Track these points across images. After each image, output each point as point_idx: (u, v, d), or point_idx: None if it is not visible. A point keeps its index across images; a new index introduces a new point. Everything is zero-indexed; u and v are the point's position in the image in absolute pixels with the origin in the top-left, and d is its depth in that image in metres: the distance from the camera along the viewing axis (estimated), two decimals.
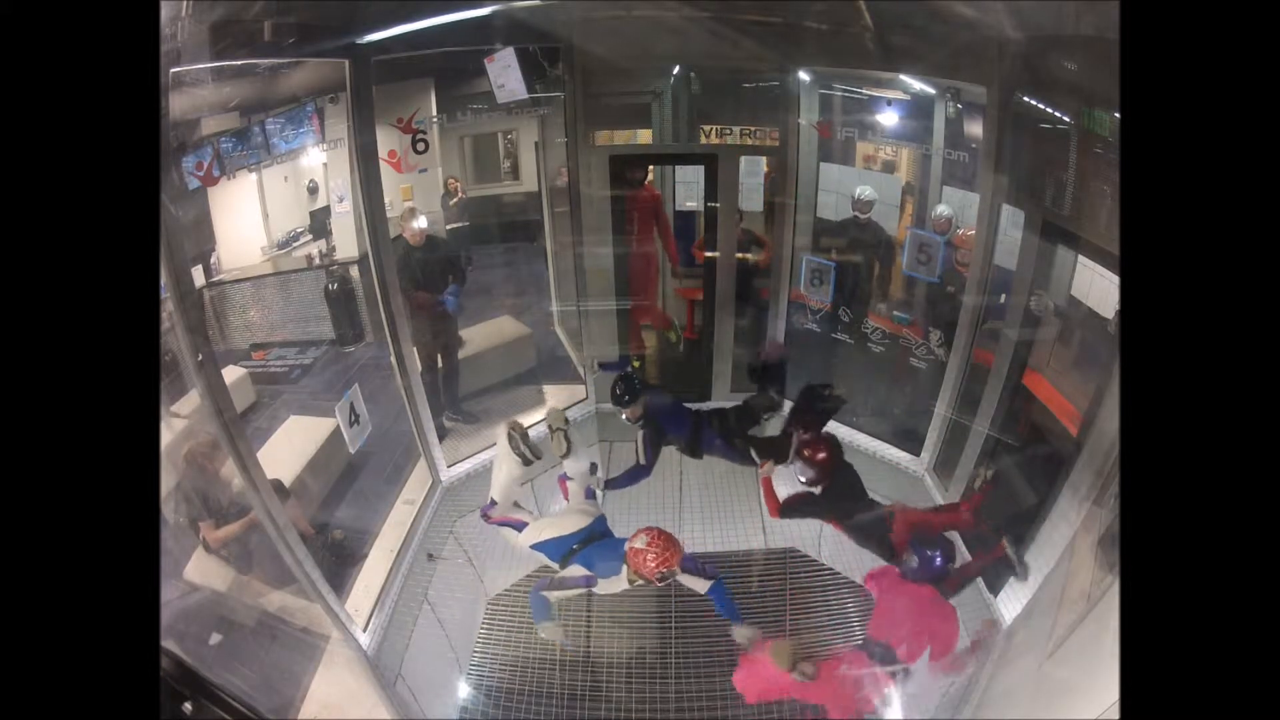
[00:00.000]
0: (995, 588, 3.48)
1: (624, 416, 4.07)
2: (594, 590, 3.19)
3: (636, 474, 4.05)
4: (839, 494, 3.69)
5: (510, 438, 3.39)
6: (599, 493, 3.96)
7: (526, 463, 3.42)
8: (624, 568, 3.10)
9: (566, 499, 3.63)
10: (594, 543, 3.27)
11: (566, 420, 3.59)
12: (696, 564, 3.18)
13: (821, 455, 3.61)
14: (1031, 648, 2.86)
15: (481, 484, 4.57)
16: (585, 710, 4.13)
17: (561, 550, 3.29)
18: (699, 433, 4.15)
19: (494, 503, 3.50)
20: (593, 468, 3.68)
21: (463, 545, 4.55)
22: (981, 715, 3.07)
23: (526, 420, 3.81)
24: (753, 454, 4.03)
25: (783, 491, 3.78)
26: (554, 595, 3.23)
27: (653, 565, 2.98)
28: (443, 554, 4.35)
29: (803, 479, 3.68)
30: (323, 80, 3.92)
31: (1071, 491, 2.96)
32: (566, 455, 3.54)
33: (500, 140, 5.51)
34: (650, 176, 5.27)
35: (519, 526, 3.44)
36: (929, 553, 3.27)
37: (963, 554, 3.64)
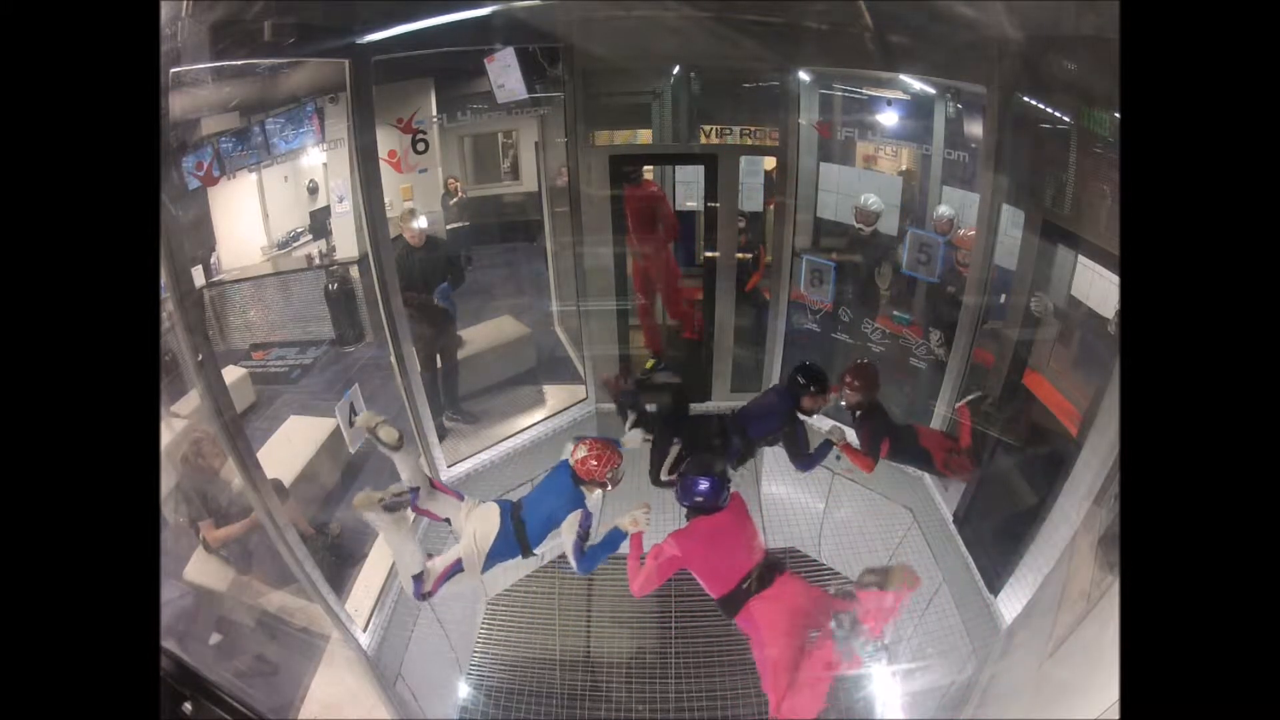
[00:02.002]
0: (995, 588, 3.48)
1: (812, 413, 4.03)
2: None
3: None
4: (880, 412, 3.96)
5: (380, 505, 3.03)
6: None
7: (406, 508, 3.14)
8: (583, 490, 3.21)
9: (441, 518, 3.30)
10: (523, 513, 3.22)
11: (376, 415, 3.27)
12: None
13: (858, 382, 3.92)
14: (1031, 648, 2.86)
15: (482, 484, 4.59)
16: (585, 710, 4.13)
17: (509, 543, 3.19)
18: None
19: (419, 576, 3.12)
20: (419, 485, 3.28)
21: None
22: (981, 715, 3.07)
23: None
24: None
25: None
26: (591, 544, 3.20)
27: (597, 466, 3.18)
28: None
29: (846, 404, 3.99)
30: (323, 80, 3.92)
31: (1071, 491, 2.96)
32: (399, 444, 3.17)
33: (500, 140, 5.52)
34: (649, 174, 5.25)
35: (459, 568, 3.17)
36: (691, 478, 3.18)
37: None
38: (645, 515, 3.19)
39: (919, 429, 4.09)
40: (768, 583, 3.04)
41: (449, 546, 3.25)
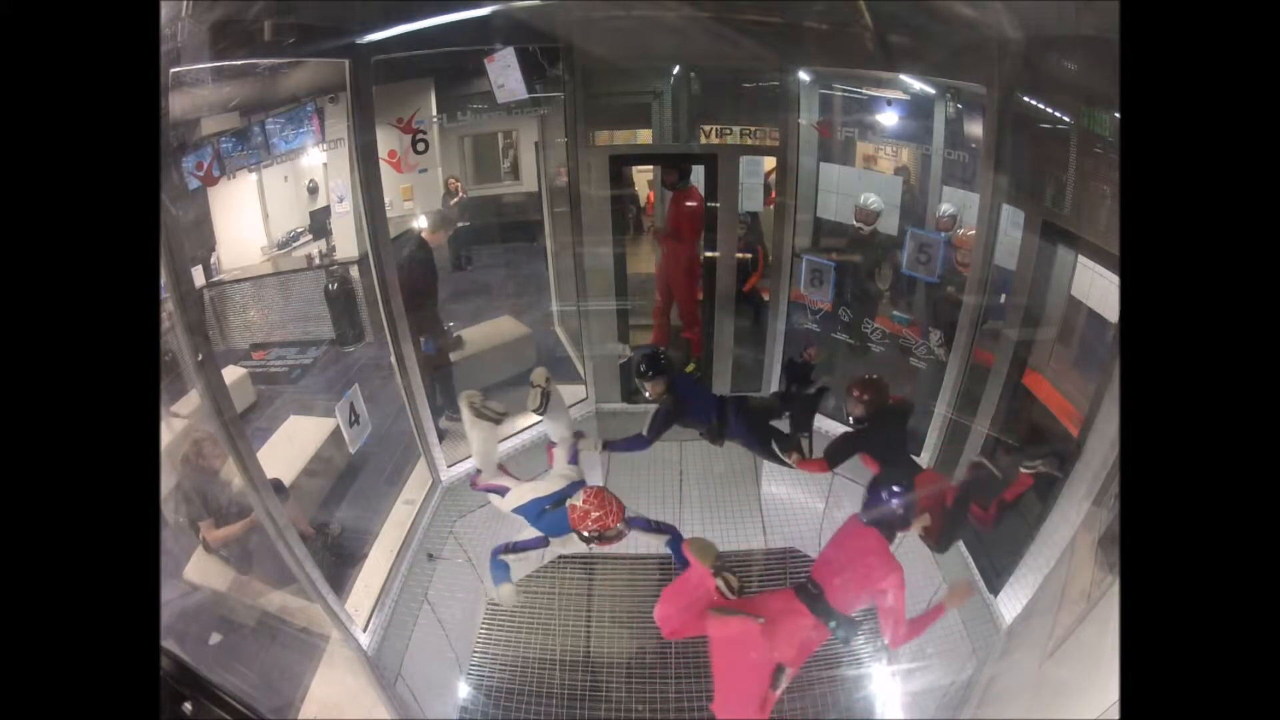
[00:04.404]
0: (995, 588, 3.48)
1: (646, 393, 4.00)
2: (551, 549, 3.36)
3: (634, 443, 4.02)
4: (882, 433, 3.78)
5: (471, 408, 3.54)
6: (598, 455, 4.07)
7: (496, 423, 3.58)
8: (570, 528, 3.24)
9: (552, 465, 3.69)
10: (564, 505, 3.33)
11: (548, 379, 3.65)
12: (648, 523, 3.33)
13: (868, 396, 3.75)
14: (1031, 648, 2.86)
15: None
16: (585, 710, 4.13)
17: (536, 511, 3.36)
18: (724, 418, 4.06)
19: (479, 470, 3.66)
20: (578, 435, 3.76)
21: (463, 545, 4.55)
22: (981, 715, 3.07)
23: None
24: (774, 449, 3.98)
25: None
26: (511, 559, 3.31)
27: (593, 522, 3.12)
28: (443, 554, 4.35)
29: (851, 417, 3.80)
30: (323, 80, 3.92)
31: (1071, 491, 2.96)
32: (541, 410, 3.59)
33: (500, 140, 5.52)
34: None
35: (502, 492, 3.53)
36: (886, 488, 3.05)
37: None
38: (511, 596, 3.36)
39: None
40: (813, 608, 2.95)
41: (525, 477, 3.64)
